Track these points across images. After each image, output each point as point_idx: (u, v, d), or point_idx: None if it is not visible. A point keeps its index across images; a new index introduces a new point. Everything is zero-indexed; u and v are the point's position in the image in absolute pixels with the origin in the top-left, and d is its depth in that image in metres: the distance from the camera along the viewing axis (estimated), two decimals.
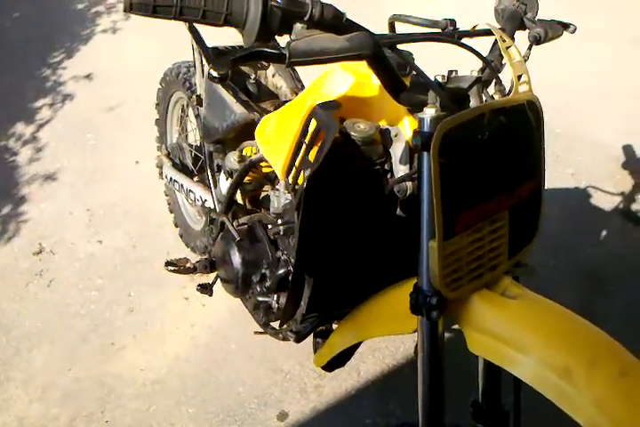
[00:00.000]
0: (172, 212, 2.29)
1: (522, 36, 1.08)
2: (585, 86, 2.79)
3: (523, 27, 1.03)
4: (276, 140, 1.19)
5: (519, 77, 0.89)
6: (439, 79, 0.85)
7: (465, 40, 0.94)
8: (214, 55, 0.92)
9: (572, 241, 2.21)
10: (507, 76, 0.99)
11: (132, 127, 2.77)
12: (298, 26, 0.73)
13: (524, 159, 0.94)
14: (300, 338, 1.30)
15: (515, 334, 0.90)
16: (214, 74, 0.67)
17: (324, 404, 1.74)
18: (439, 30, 0.94)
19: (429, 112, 0.82)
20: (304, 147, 1.07)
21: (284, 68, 1.43)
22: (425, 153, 0.83)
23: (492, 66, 0.91)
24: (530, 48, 0.98)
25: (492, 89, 0.99)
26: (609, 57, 2.96)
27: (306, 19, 0.72)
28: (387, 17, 1.04)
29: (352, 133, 0.96)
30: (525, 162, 0.95)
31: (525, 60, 0.92)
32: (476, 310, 0.94)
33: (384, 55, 0.77)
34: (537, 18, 1.06)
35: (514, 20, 1.01)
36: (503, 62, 0.98)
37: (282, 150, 1.15)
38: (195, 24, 0.76)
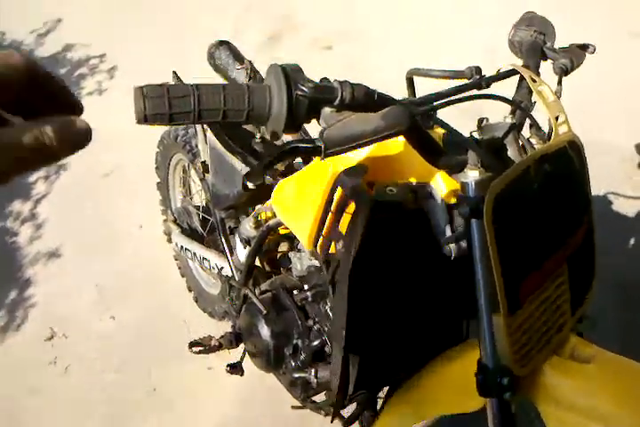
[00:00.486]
0: (183, 276, 2.19)
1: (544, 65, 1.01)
2: (585, 87, 2.73)
3: (544, 57, 0.96)
4: (296, 207, 1.11)
5: (557, 118, 0.82)
6: (475, 135, 0.76)
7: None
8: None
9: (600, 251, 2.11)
10: (537, 113, 0.92)
11: (131, 192, 2.69)
12: (326, 109, 0.65)
13: (574, 204, 0.86)
14: (347, 423, 1.18)
15: (597, 404, 0.81)
16: (251, 185, 0.60)
17: None
18: (465, 80, 0.86)
19: (473, 175, 0.73)
20: (331, 216, 0.99)
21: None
22: (474, 220, 0.75)
23: (523, 108, 0.83)
24: (560, 82, 0.90)
25: (525, 131, 0.91)
26: (609, 54, 2.90)
27: (336, 103, 0.64)
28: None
29: (385, 200, 0.87)
30: (576, 206, 0.87)
31: (559, 97, 0.84)
32: (549, 383, 0.84)
33: (420, 126, 0.69)
34: (556, 45, 0.99)
35: (535, 53, 0.94)
36: (533, 100, 0.90)
37: (305, 219, 1.06)
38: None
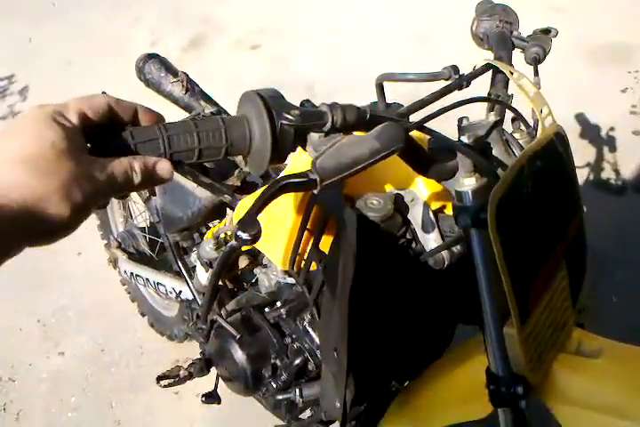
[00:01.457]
0: (133, 300, 2.07)
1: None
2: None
3: (513, 47, 0.93)
4: (264, 226, 1.03)
5: (541, 111, 0.79)
6: (464, 139, 0.72)
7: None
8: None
9: None
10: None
11: None
12: (313, 135, 0.59)
13: (566, 197, 0.84)
14: None
15: (612, 399, 0.79)
16: (246, 237, 0.52)
17: None
18: (444, 81, 0.81)
19: (469, 183, 0.69)
20: (307, 234, 0.93)
21: None
22: (474, 230, 0.71)
23: (508, 104, 0.80)
24: (536, 73, 0.87)
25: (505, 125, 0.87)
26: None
27: (326, 129, 0.58)
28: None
29: (369, 214, 0.82)
30: (568, 199, 0.85)
31: (539, 88, 0.81)
32: (560, 382, 0.82)
33: (415, 141, 0.64)
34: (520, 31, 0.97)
35: (506, 44, 0.90)
36: (509, 93, 0.87)
37: (276, 238, 0.99)
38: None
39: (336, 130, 0.58)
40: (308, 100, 0.60)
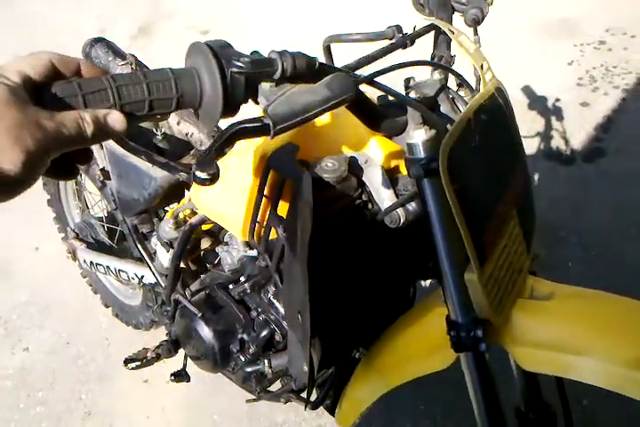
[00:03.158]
0: (96, 292, 2.05)
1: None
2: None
3: (453, 11, 0.96)
4: (222, 199, 1.04)
5: (482, 67, 0.82)
6: (413, 96, 0.74)
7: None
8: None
9: None
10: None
11: (19, 213, 2.46)
12: (264, 85, 0.60)
13: (510, 147, 0.88)
14: (315, 405, 1.15)
15: (567, 337, 0.83)
16: (204, 176, 0.53)
17: None
18: (387, 40, 0.83)
19: (419, 135, 0.71)
20: (265, 201, 0.94)
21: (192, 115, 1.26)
22: (426, 180, 0.73)
23: (453, 70, 0.83)
24: (476, 32, 0.90)
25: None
26: None
27: (276, 77, 0.59)
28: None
29: (324, 176, 0.83)
30: (512, 149, 0.89)
31: (479, 46, 0.85)
32: (515, 324, 0.86)
33: (363, 93, 0.66)
34: None
35: (445, 8, 0.93)
36: (452, 54, 0.90)
37: (234, 209, 1.00)
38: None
39: (286, 79, 0.59)
40: (256, 51, 0.61)
